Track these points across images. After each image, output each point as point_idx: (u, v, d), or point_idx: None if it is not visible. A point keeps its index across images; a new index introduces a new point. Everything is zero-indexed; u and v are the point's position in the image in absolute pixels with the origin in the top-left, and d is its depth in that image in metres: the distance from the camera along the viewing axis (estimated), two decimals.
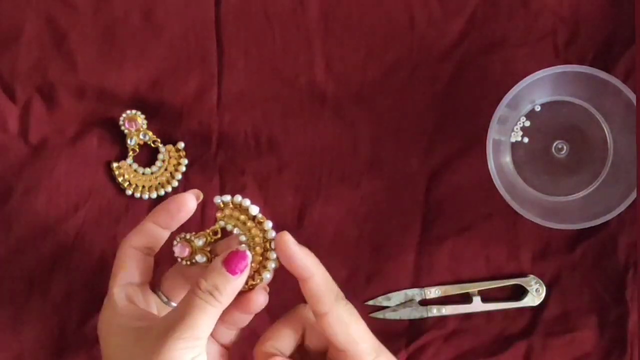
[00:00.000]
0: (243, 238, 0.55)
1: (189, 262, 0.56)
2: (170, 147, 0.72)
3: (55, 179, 0.71)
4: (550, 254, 0.71)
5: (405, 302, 0.71)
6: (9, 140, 0.71)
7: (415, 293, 0.71)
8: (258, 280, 0.55)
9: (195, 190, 0.58)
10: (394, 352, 0.70)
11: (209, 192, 0.71)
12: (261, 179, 0.71)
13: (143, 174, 0.72)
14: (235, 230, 0.55)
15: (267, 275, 0.55)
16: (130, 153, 0.71)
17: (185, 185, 0.72)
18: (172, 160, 0.72)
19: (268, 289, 0.56)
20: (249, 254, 0.54)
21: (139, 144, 0.71)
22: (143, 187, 0.71)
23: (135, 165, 0.71)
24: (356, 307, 0.71)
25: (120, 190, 0.71)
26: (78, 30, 0.71)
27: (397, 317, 0.71)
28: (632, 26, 0.70)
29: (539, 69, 0.67)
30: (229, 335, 0.59)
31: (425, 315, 0.71)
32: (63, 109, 0.71)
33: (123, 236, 0.70)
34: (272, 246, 0.55)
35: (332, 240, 0.71)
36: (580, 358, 0.70)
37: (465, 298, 0.71)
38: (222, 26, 0.72)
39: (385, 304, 0.71)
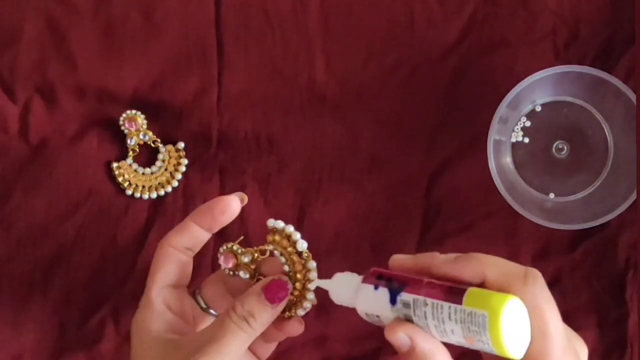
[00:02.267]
0: (286, 268, 0.54)
1: (232, 273, 0.55)
2: (170, 147, 0.72)
3: (55, 179, 0.71)
4: (550, 254, 0.71)
5: None
6: (9, 140, 0.71)
7: None
8: (292, 313, 0.54)
9: (240, 193, 0.56)
10: (394, 352, 0.70)
11: (209, 192, 0.71)
12: (261, 179, 0.71)
13: (143, 174, 0.72)
14: (281, 259, 0.54)
15: (301, 312, 0.54)
16: (130, 153, 0.71)
17: (185, 185, 0.72)
18: (172, 160, 0.72)
19: (303, 322, 0.55)
20: (290, 285, 0.53)
21: (139, 144, 0.71)
22: (143, 187, 0.71)
23: (135, 165, 0.71)
24: None
25: (120, 190, 0.71)
26: (78, 30, 0.71)
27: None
28: (632, 26, 0.70)
29: (539, 69, 0.67)
30: (267, 348, 0.58)
31: None
32: (63, 109, 0.71)
33: (123, 236, 0.71)
34: (311, 286, 0.54)
35: (332, 240, 0.71)
36: None
37: None
38: (222, 26, 0.72)
39: None
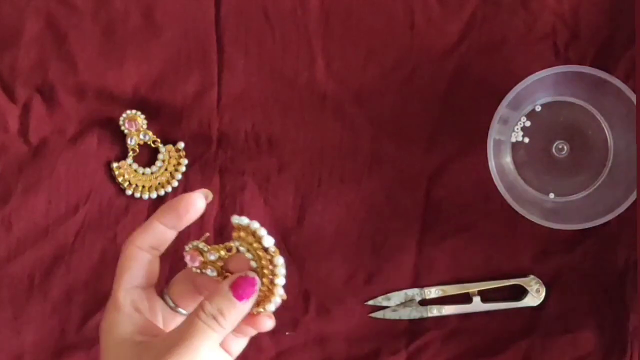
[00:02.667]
0: (254, 264, 0.53)
1: (199, 271, 0.55)
2: (170, 147, 0.72)
3: (55, 179, 0.71)
4: (550, 254, 0.71)
5: (405, 302, 0.71)
6: (9, 140, 0.71)
7: (415, 293, 0.71)
8: (262, 309, 0.53)
9: (205, 190, 0.55)
10: (394, 352, 0.71)
11: None
12: (261, 179, 0.71)
13: (143, 174, 0.72)
14: (248, 255, 0.53)
15: (271, 308, 0.53)
16: (130, 153, 0.71)
17: (185, 185, 0.72)
18: (172, 160, 0.72)
19: (273, 317, 0.54)
20: (258, 281, 0.52)
21: (139, 144, 0.71)
22: (143, 187, 0.71)
23: (135, 165, 0.71)
24: (356, 307, 0.71)
25: (120, 190, 0.71)
26: (78, 30, 0.71)
27: (397, 317, 0.71)
28: (632, 26, 0.70)
29: (539, 69, 0.67)
30: (239, 343, 0.57)
31: (425, 315, 0.71)
32: (63, 109, 0.71)
33: (123, 236, 0.71)
34: (279, 282, 0.53)
35: (332, 240, 0.71)
36: (580, 358, 0.70)
37: (465, 298, 0.71)
38: (222, 26, 0.72)
39: (385, 304, 0.71)
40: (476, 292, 0.71)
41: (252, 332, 0.56)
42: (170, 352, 0.49)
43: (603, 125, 0.71)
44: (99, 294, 0.71)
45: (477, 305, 0.70)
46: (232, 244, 0.53)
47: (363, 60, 0.72)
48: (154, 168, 0.72)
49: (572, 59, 0.71)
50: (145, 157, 0.72)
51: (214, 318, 0.50)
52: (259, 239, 0.52)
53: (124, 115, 0.71)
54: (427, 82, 0.71)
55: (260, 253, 0.52)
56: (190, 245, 0.54)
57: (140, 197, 0.71)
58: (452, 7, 0.71)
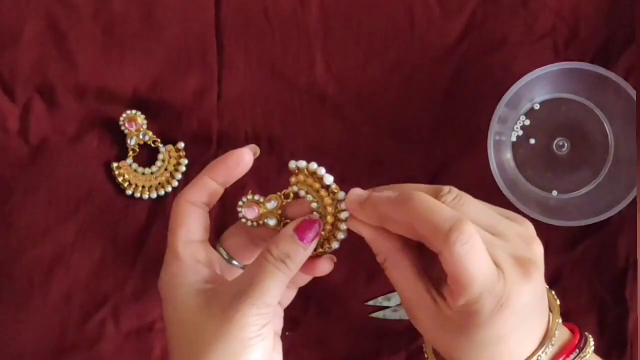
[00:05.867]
0: (315, 205, 0.55)
1: (255, 224, 0.56)
2: (170, 147, 0.72)
3: (55, 179, 0.71)
4: (550, 253, 0.70)
5: None
6: (9, 140, 0.71)
7: None
8: (326, 249, 0.55)
9: (252, 145, 0.57)
10: (394, 352, 0.71)
11: None
12: (261, 179, 0.71)
13: (143, 174, 0.72)
14: (308, 197, 0.55)
15: (335, 245, 0.55)
16: (130, 153, 0.71)
17: (185, 185, 0.71)
18: (172, 160, 0.72)
19: (335, 258, 0.57)
20: (320, 222, 0.54)
21: (139, 144, 0.71)
22: (143, 187, 0.71)
23: (135, 165, 0.71)
24: (356, 307, 0.71)
25: (120, 190, 0.71)
26: (78, 30, 0.71)
27: (397, 317, 0.71)
28: (632, 25, 0.70)
29: (539, 68, 0.67)
30: (288, 294, 0.60)
31: None
32: (63, 109, 0.71)
33: (123, 236, 0.71)
34: (343, 217, 0.55)
35: None
36: None
37: None
38: (222, 26, 0.72)
39: (385, 304, 0.71)
40: None
41: (305, 281, 0.59)
42: (243, 294, 0.51)
43: (603, 121, 0.71)
44: (99, 294, 0.71)
45: None
46: (289, 190, 0.56)
47: (363, 61, 0.72)
48: (154, 168, 0.72)
49: (572, 58, 0.71)
50: (145, 157, 0.72)
51: (282, 261, 0.53)
52: (319, 179, 0.54)
53: (124, 115, 0.71)
54: (427, 82, 0.71)
55: (322, 193, 0.54)
56: (245, 199, 0.56)
57: (140, 197, 0.71)
58: (452, 7, 0.72)
